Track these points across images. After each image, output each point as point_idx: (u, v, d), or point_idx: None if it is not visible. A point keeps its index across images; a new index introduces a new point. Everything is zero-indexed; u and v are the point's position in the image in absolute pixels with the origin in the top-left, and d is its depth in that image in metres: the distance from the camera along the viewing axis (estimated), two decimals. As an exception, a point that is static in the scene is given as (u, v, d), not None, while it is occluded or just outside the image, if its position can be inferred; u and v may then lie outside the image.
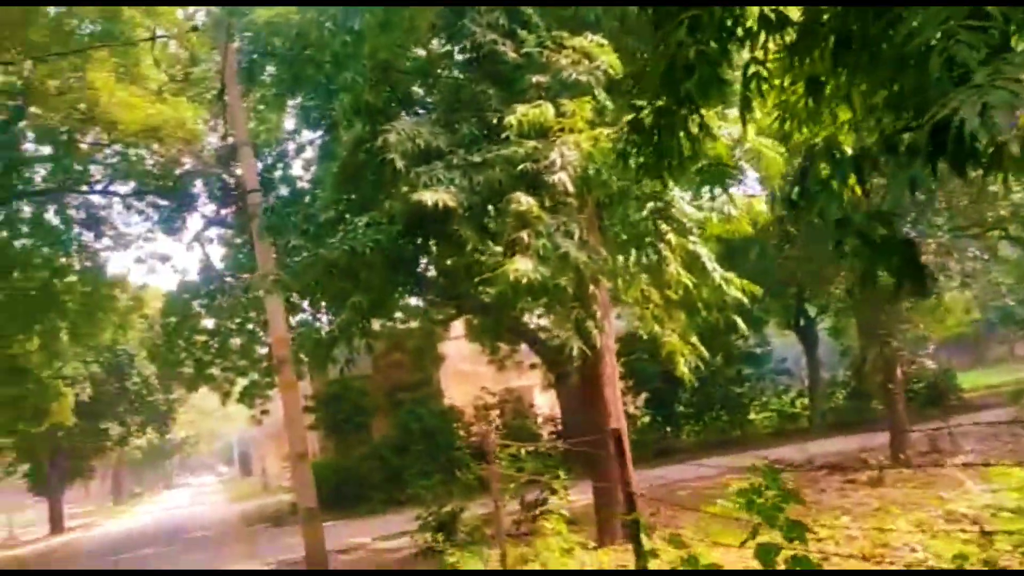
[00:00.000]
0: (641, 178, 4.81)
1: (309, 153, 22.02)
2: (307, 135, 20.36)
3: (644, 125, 3.58)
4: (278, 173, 22.12)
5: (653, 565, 4.44)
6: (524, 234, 8.28)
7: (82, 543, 26.10)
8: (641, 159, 3.70)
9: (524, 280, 7.90)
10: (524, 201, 8.17)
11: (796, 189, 2.89)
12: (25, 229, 22.39)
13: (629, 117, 3.77)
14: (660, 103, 3.51)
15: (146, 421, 36.31)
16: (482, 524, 11.99)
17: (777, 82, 4.32)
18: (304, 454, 10.79)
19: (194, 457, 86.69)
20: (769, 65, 4.06)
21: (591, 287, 9.33)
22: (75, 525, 35.87)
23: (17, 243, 22.24)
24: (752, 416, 27.12)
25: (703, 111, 3.72)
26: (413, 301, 21.89)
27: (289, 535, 17.90)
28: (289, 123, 22.04)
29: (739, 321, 10.40)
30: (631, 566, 8.01)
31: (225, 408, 61.01)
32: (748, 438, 24.99)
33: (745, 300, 9.42)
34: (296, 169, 22.66)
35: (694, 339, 10.26)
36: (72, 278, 23.06)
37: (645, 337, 11.48)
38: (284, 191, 21.92)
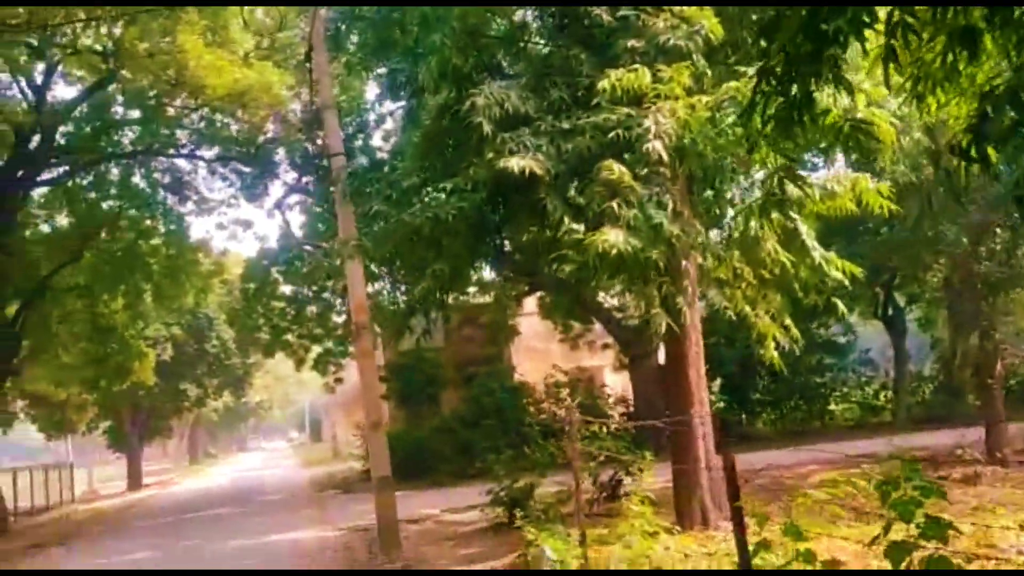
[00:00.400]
0: (765, 136, 4.38)
1: (389, 124, 21.96)
2: (388, 106, 20.25)
3: (776, 73, 3.22)
4: (358, 143, 22.11)
5: (766, 557, 4.09)
6: (614, 204, 7.94)
7: (159, 499, 26.86)
8: (771, 111, 3.34)
9: (613, 252, 7.58)
10: (616, 169, 7.83)
11: (972, 139, 2.51)
12: (113, 191, 22.93)
13: (759, 65, 3.41)
14: (796, 46, 3.13)
15: (223, 384, 37.21)
16: (555, 502, 11.77)
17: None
18: (379, 422, 10.70)
19: (267, 422, 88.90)
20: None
21: (683, 261, 8.96)
22: (152, 482, 37.01)
23: (105, 205, 22.80)
24: (832, 407, 26.24)
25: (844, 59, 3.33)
26: (488, 275, 21.96)
27: (359, 502, 17.98)
28: (371, 93, 22.02)
29: (839, 304, 9.86)
30: (716, 552, 7.68)
31: (299, 374, 62.44)
32: (828, 429, 24.21)
33: (847, 282, 8.91)
34: (376, 140, 22.64)
35: (787, 321, 9.75)
36: (157, 241, 23.55)
37: (729, 318, 10.96)
38: (364, 161, 21.93)
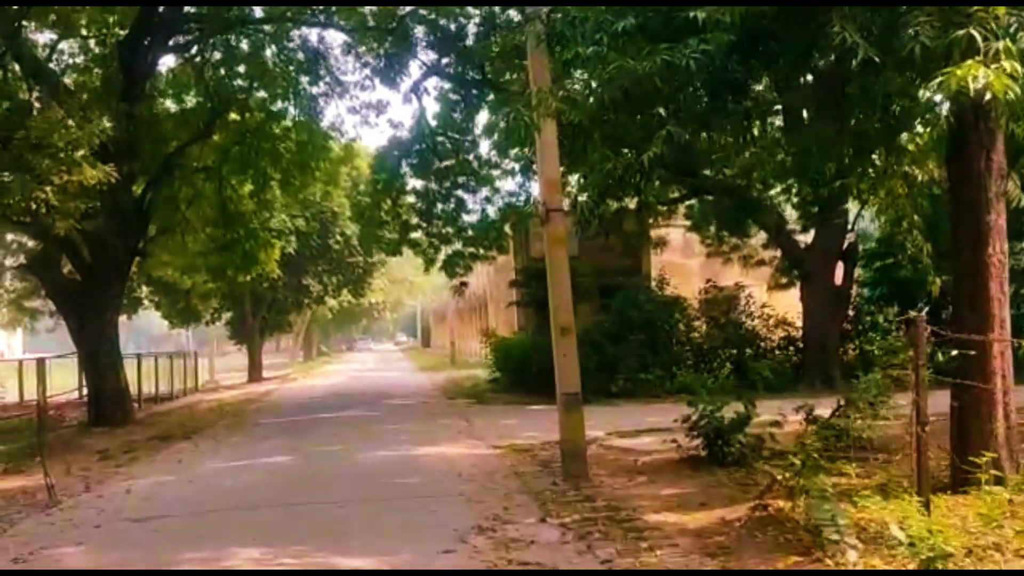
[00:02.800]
0: None
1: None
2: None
3: None
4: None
5: None
6: (973, 31, 5.51)
7: (282, 394, 26.12)
8: None
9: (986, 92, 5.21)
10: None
11: None
12: (242, 69, 21.30)
13: None
14: None
15: (343, 282, 36.23)
16: (758, 437, 9.65)
17: None
18: (569, 328, 8.69)
19: (377, 324, 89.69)
20: None
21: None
22: (271, 376, 36.76)
23: (235, 83, 21.25)
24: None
25: None
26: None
27: (499, 415, 16.41)
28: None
29: None
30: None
31: (412, 279, 61.85)
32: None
33: None
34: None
35: None
36: (287, 123, 21.98)
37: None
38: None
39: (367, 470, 10.32)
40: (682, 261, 28.11)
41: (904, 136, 10.00)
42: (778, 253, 24.17)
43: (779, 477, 7.32)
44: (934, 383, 7.24)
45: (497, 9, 21.16)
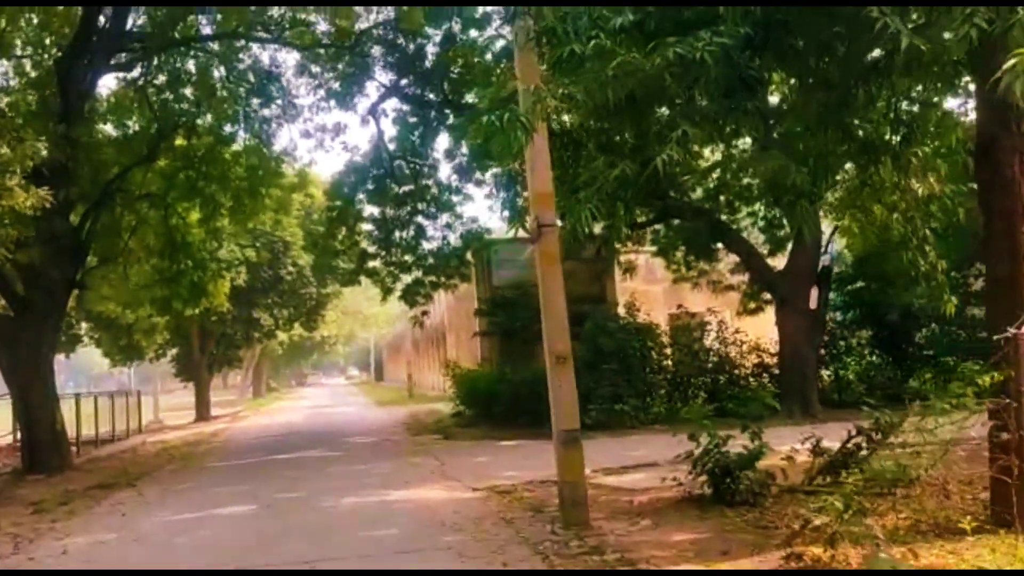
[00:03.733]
0: None
1: None
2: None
3: None
4: None
5: None
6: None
7: (233, 434, 24.69)
8: None
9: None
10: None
11: None
12: (189, 92, 20.17)
13: None
14: None
15: (295, 314, 34.84)
16: (766, 474, 8.86)
17: None
18: (565, 357, 7.80)
19: (327, 358, 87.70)
20: None
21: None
22: (220, 414, 35.11)
23: (181, 106, 20.09)
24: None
25: None
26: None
27: (471, 452, 15.36)
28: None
29: None
30: None
31: (366, 312, 60.44)
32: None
33: None
34: None
35: None
36: (237, 147, 20.88)
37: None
38: None
39: (339, 521, 9.23)
40: (646, 287, 27.47)
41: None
42: (746, 278, 23.72)
43: (817, 522, 6.47)
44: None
45: (458, 28, 20.53)
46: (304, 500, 10.69)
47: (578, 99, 6.76)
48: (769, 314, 24.80)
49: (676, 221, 21.39)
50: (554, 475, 11.63)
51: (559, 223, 8.12)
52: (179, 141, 20.03)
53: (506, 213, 20.91)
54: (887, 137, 9.80)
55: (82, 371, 78.11)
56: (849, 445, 9.64)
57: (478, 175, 22.61)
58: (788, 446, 9.24)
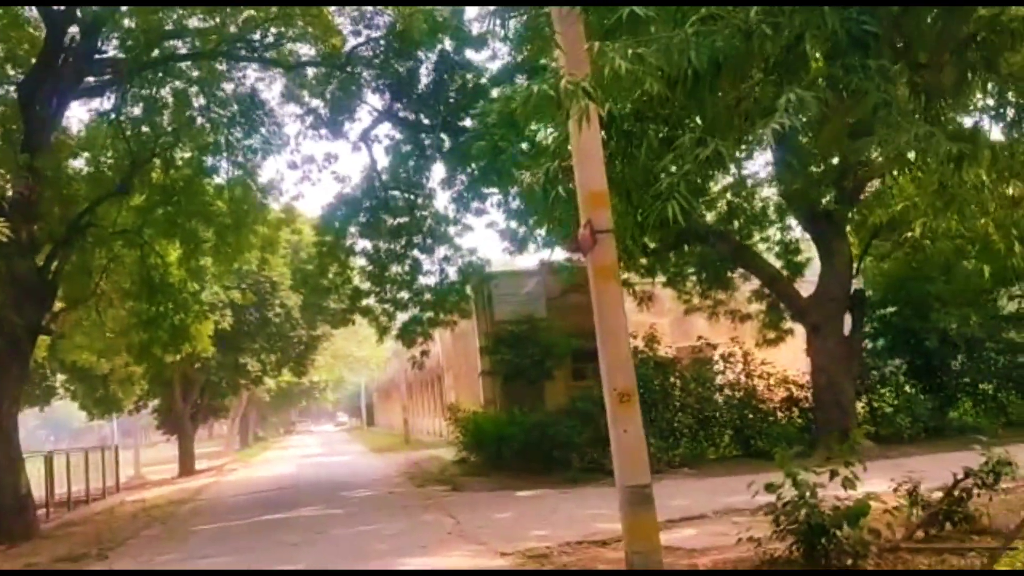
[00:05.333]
0: None
1: None
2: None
3: None
4: None
5: None
6: None
7: (221, 490, 22.81)
8: None
9: None
10: None
11: None
12: (167, 123, 18.67)
13: None
14: None
15: (283, 359, 33.03)
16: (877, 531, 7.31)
17: None
18: (629, 394, 6.25)
19: (316, 404, 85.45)
20: None
21: None
22: (205, 468, 33.16)
23: (157, 136, 18.57)
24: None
25: None
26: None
27: (485, 506, 13.66)
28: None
29: None
30: None
31: (357, 355, 58.53)
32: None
33: None
34: None
35: None
36: (220, 180, 19.39)
37: None
38: None
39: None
40: (652, 319, 25.93)
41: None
42: (763, 306, 22.29)
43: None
44: None
45: (451, 49, 19.27)
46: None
47: (649, 64, 5.28)
48: (790, 345, 23.39)
49: (693, 247, 19.93)
50: (591, 534, 10.15)
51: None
52: (156, 174, 18.50)
53: (525, 229, 19.47)
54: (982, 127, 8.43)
55: (62, 425, 75.55)
56: (956, 492, 8.16)
57: (476, 204, 21.20)
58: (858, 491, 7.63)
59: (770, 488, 7.71)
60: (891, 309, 20.02)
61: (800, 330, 23.02)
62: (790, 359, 22.51)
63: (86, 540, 14.04)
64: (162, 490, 24.99)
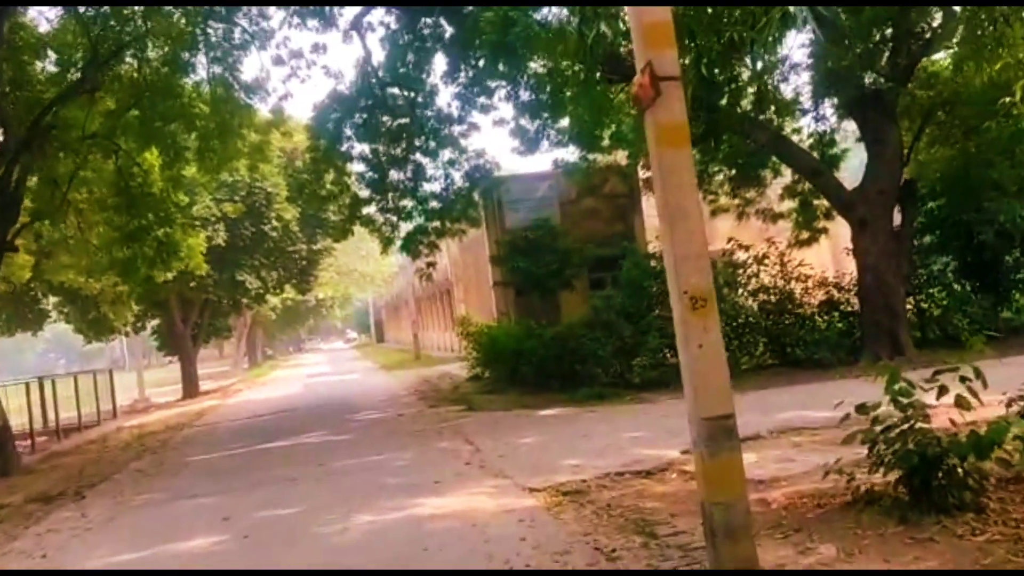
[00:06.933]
0: None
1: None
2: None
3: None
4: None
5: None
6: None
7: (223, 415, 21.61)
8: None
9: None
10: None
11: None
12: (138, 17, 16.62)
13: None
14: None
15: (285, 276, 31.52)
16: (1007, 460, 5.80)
17: None
18: (706, 298, 4.67)
19: (325, 321, 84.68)
20: None
21: None
22: (211, 388, 32.12)
23: (125, 28, 16.59)
24: None
25: None
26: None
27: (506, 428, 12.29)
28: None
29: None
30: None
31: (362, 271, 57.14)
32: None
33: None
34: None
35: None
36: (200, 76, 17.50)
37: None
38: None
39: (349, 563, 6.17)
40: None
41: None
42: (795, 204, 20.63)
43: None
44: None
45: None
46: (298, 521, 7.60)
47: None
48: (823, 246, 21.76)
49: (723, 141, 18.09)
50: (631, 462, 8.75)
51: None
52: (126, 70, 16.61)
53: (538, 123, 17.66)
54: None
55: (72, 347, 74.94)
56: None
57: (483, 100, 19.33)
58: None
59: (862, 410, 6.23)
60: (940, 201, 18.26)
61: (834, 230, 21.42)
62: (822, 262, 20.94)
63: (68, 475, 12.83)
64: (163, 414, 23.90)
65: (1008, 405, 6.89)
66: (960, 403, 5.90)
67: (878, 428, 6.06)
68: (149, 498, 9.96)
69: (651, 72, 4.64)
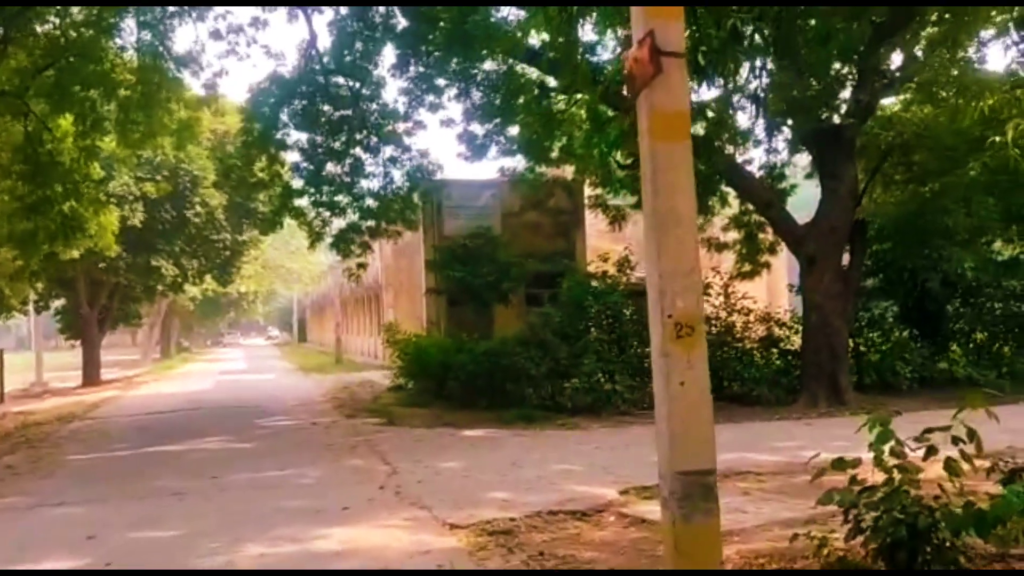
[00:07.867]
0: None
1: None
2: None
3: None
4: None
5: None
6: None
7: (118, 408, 19.97)
8: None
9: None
10: None
11: None
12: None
13: None
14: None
15: (206, 265, 29.84)
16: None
17: None
18: (693, 325, 3.78)
19: (246, 316, 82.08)
20: None
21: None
22: (113, 378, 30.20)
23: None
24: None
25: None
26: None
27: (430, 448, 11.29)
28: None
29: None
30: None
31: (289, 266, 55.33)
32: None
33: None
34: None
35: None
36: (127, 41, 16.14)
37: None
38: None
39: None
40: (610, 246, 23.61)
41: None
42: (740, 236, 20.22)
43: None
44: None
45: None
46: (174, 548, 6.46)
47: None
48: (763, 280, 21.40)
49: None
50: (566, 500, 7.82)
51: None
52: (41, 26, 15.18)
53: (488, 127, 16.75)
54: None
55: (-28, 324, 70.78)
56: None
57: (431, 98, 18.43)
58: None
59: (839, 465, 5.44)
60: (888, 244, 17.96)
61: (776, 264, 21.07)
62: (758, 295, 20.54)
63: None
64: (57, 401, 22.16)
65: (990, 470, 6.20)
66: (949, 468, 5.16)
67: (857, 488, 5.30)
68: (9, 503, 8.65)
69: (652, 44, 3.77)
